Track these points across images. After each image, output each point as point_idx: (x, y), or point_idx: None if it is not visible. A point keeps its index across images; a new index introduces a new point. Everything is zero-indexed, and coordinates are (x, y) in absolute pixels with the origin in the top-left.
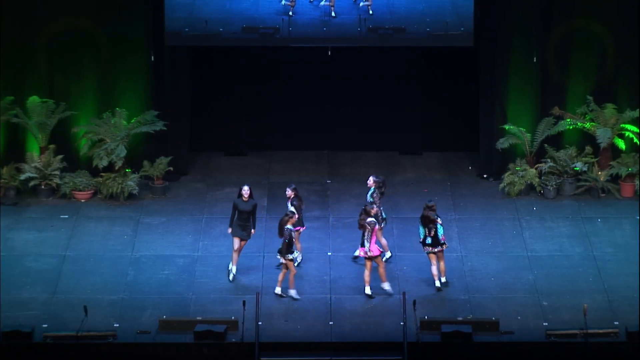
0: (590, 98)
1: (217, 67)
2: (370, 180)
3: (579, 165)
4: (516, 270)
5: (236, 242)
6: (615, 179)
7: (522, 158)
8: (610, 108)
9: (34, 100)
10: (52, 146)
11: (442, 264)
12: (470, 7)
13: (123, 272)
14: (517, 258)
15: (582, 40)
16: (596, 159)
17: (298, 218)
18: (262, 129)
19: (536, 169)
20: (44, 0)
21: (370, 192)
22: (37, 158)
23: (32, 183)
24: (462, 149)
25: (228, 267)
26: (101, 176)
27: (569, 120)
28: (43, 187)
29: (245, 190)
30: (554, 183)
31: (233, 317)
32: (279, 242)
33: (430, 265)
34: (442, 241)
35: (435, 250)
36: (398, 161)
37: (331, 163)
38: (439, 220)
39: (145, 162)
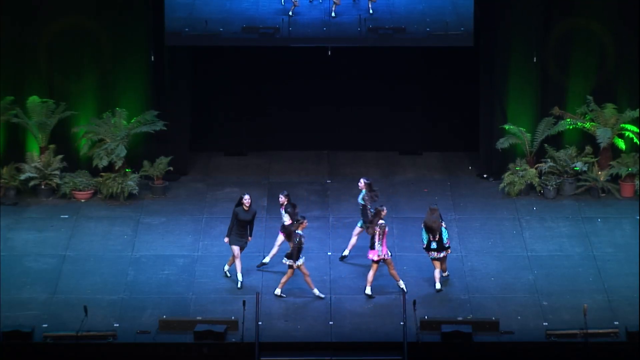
0: (590, 98)
1: (217, 67)
2: (361, 183)
3: (579, 165)
4: (516, 270)
5: (236, 250)
6: (615, 179)
7: (522, 158)
8: (610, 108)
9: (34, 100)
10: (52, 146)
11: (444, 264)
12: (470, 7)
13: (123, 272)
14: (517, 258)
15: (582, 40)
16: (596, 159)
17: (293, 223)
18: (262, 129)
19: (536, 169)
20: (44, 0)
21: (361, 195)
22: (37, 158)
23: (32, 183)
24: (462, 149)
25: (224, 268)
26: (101, 176)
27: (569, 120)
28: (43, 187)
29: (247, 199)
30: (554, 183)
31: (233, 317)
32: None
33: (434, 268)
34: (447, 245)
35: (441, 255)
36: (398, 161)
37: (331, 163)
38: (443, 224)
39: (145, 162)
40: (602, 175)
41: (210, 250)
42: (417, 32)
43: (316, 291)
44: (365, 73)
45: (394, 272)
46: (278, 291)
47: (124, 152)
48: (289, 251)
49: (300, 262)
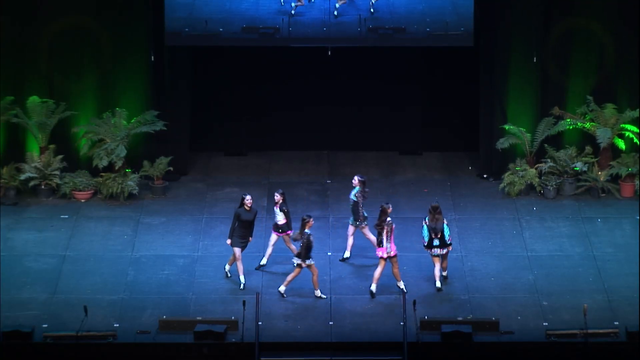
0: (590, 98)
1: (217, 67)
2: (355, 180)
3: (579, 165)
4: (516, 270)
5: (237, 252)
6: (615, 179)
7: (522, 158)
8: (610, 108)
9: (34, 100)
10: (52, 146)
11: (445, 262)
12: (470, 7)
13: (123, 272)
14: (517, 258)
15: (582, 40)
16: (596, 159)
17: (286, 222)
18: (262, 129)
19: (536, 169)
20: (44, 0)
21: (354, 192)
22: (37, 158)
23: (32, 183)
24: (462, 149)
25: (224, 268)
26: (101, 176)
27: (569, 120)
28: (43, 187)
29: (249, 199)
30: (554, 183)
31: (233, 317)
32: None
33: (434, 265)
34: (449, 242)
35: (443, 252)
36: (398, 161)
37: (331, 163)
38: (444, 220)
39: (145, 162)
40: (602, 176)
41: (210, 251)
42: (417, 32)
43: (318, 292)
44: (365, 73)
45: (396, 271)
46: (282, 288)
47: (124, 152)
48: (298, 250)
49: (309, 261)
